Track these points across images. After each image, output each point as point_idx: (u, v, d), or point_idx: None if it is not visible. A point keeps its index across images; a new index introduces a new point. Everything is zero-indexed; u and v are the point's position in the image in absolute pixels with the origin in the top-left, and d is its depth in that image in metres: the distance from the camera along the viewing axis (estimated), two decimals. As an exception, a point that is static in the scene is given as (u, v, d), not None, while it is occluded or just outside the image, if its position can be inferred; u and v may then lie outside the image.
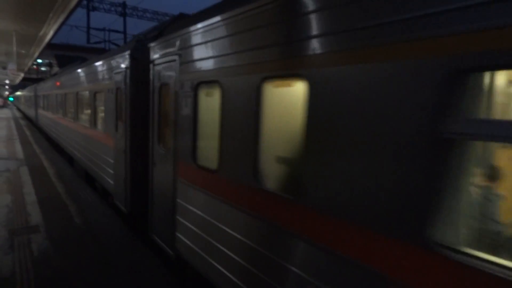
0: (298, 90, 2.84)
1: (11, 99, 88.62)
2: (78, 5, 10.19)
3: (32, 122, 32.27)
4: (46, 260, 5.08)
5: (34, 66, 44.43)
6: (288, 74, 2.86)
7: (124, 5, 28.73)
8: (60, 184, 9.59)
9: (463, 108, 1.79)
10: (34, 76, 47.60)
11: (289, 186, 3.02)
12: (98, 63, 8.81)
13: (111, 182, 7.63)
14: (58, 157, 14.06)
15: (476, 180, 1.99)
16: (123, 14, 28.61)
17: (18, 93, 69.32)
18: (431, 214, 1.86)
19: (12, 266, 4.87)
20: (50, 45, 18.39)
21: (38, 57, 27.24)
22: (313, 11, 2.58)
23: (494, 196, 2.08)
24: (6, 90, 78.36)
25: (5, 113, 48.33)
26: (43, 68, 50.47)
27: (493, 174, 2.04)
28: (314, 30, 2.57)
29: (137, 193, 6.38)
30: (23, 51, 19.93)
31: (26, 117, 40.72)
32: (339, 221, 2.36)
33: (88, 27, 25.01)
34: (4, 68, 22.79)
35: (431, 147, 1.87)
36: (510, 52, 1.56)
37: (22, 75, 38.97)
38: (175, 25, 5.24)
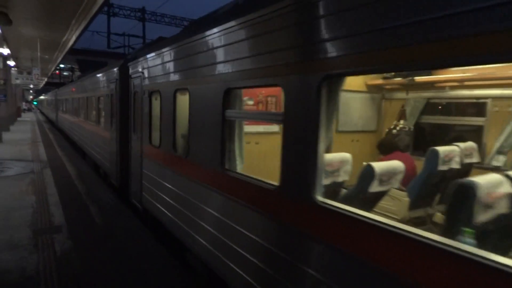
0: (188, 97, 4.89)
1: (35, 103, 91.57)
2: (99, 11, 10.49)
3: (53, 124, 33.25)
4: (69, 260, 5.23)
5: (57, 71, 45.74)
6: (183, 88, 5.08)
7: (143, 10, 29.33)
8: (81, 185, 9.85)
9: (228, 105, 3.92)
10: (56, 80, 49.00)
11: (185, 150, 5.21)
12: (100, 74, 11.21)
13: (108, 165, 9.95)
14: (79, 159, 14.44)
15: (241, 137, 4.10)
16: (142, 19, 29.21)
17: (41, 97, 71.61)
18: (223, 156, 3.95)
19: (37, 265, 5.03)
20: (72, 51, 18.96)
21: (61, 62, 28.07)
22: (188, 56, 4.93)
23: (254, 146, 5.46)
24: (31, 94, 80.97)
25: (30, 116, 49.93)
26: (65, 73, 51.90)
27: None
28: (187, 66, 4.93)
29: (123, 171, 8.47)
30: (46, 57, 20.62)
31: (48, 120, 41.99)
32: (199, 166, 4.56)
33: (109, 33, 25.65)
34: (29, 73, 23.60)
35: (222, 124, 3.93)
36: (246, 81, 3.59)
37: (45, 79, 40.28)
38: (143, 50, 7.52)
